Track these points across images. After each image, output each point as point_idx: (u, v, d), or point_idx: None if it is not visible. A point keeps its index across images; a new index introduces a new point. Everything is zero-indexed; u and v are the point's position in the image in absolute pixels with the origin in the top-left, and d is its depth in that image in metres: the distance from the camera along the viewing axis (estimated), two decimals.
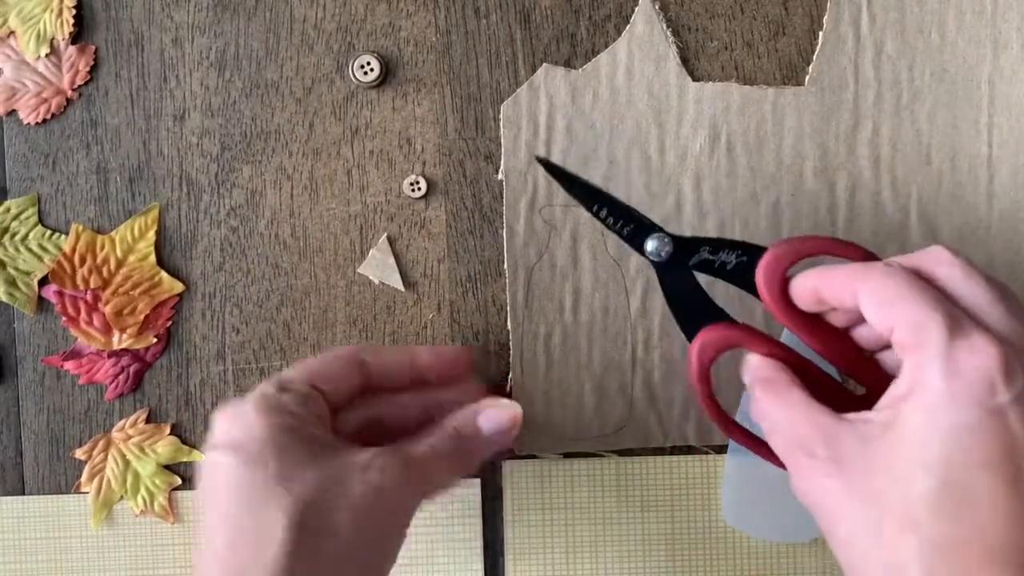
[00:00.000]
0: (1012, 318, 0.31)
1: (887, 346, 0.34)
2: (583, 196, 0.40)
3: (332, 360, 0.39)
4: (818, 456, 0.32)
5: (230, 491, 0.34)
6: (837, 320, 0.36)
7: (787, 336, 0.40)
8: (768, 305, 0.36)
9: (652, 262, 0.39)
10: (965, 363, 0.29)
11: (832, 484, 0.31)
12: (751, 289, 0.37)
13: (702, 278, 0.38)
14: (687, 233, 0.45)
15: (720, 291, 0.39)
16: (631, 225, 0.39)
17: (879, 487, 0.30)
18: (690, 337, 0.38)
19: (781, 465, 0.35)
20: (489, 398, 0.40)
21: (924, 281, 0.32)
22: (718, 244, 0.38)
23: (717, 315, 0.38)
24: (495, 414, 0.39)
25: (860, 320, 0.34)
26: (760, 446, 0.37)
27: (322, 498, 0.34)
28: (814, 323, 0.36)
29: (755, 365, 0.36)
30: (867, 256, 0.36)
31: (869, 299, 0.32)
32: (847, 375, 0.36)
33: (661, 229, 0.39)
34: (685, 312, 0.38)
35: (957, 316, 0.30)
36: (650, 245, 0.39)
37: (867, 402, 0.34)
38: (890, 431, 0.30)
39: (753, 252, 0.37)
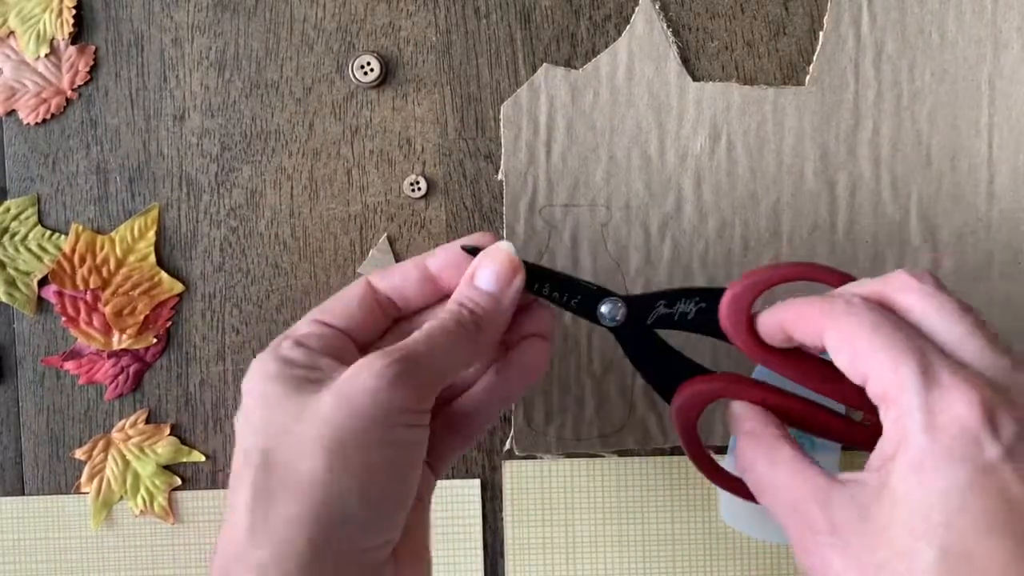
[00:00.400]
0: (991, 350, 0.28)
1: None
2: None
3: (340, 294, 0.35)
4: (818, 528, 0.29)
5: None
6: (816, 349, 0.33)
7: (760, 370, 0.37)
8: (739, 348, 0.34)
9: (609, 328, 0.36)
10: (945, 416, 0.27)
11: (833, 556, 0.29)
12: (719, 335, 0.34)
13: (665, 334, 0.36)
14: (687, 231, 0.45)
15: (691, 341, 0.37)
16: (577, 296, 0.36)
17: (881, 561, 0.27)
18: (667, 397, 0.36)
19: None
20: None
21: (891, 316, 0.29)
22: (674, 296, 0.36)
23: (692, 369, 0.36)
24: (487, 263, 0.34)
25: None
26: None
27: (282, 440, 0.30)
28: (794, 357, 0.33)
29: (739, 414, 0.34)
30: (833, 276, 0.33)
31: (835, 347, 0.30)
32: (843, 403, 0.34)
33: (611, 292, 0.36)
34: (656, 373, 0.36)
35: (930, 360, 0.27)
36: (603, 310, 0.36)
37: (874, 429, 0.33)
38: (883, 495, 0.28)
39: (712, 296, 0.35)
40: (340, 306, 0.34)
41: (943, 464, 0.26)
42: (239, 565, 0.30)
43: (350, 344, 0.34)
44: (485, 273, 0.34)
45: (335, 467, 0.29)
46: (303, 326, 0.34)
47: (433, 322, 0.33)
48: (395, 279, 0.35)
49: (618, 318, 0.36)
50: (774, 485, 0.31)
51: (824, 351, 0.32)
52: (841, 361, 0.30)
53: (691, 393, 0.35)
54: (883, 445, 0.28)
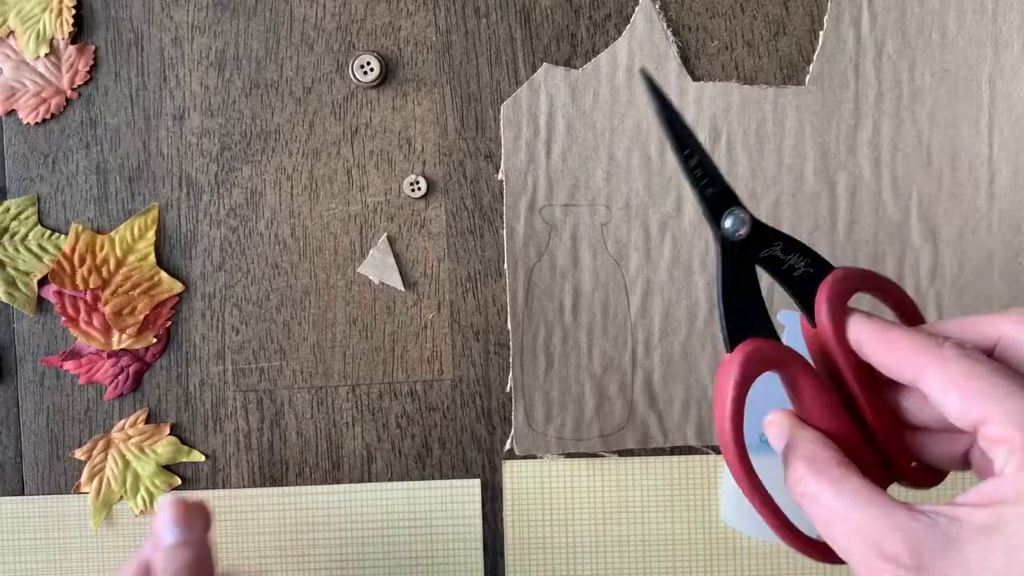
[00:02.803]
0: None
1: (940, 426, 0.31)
2: (677, 135, 0.33)
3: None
4: (899, 561, 0.27)
5: None
6: (898, 379, 0.31)
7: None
8: (822, 327, 0.32)
9: (723, 240, 0.33)
10: None
11: None
12: (807, 305, 0.33)
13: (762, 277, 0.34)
14: (687, 231, 0.45)
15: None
16: (716, 188, 0.33)
17: None
18: (731, 342, 0.33)
19: (809, 549, 0.31)
20: None
21: (998, 364, 0.28)
22: (792, 245, 0.33)
23: (767, 328, 0.33)
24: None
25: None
26: (776, 517, 0.32)
27: None
28: (861, 363, 0.32)
29: (795, 436, 0.32)
30: (913, 312, 0.32)
31: (940, 389, 0.29)
32: (879, 424, 0.32)
33: (744, 207, 0.33)
34: (734, 312, 0.33)
35: None
36: (728, 221, 0.33)
37: (914, 474, 0.31)
38: (989, 536, 0.26)
39: (821, 265, 0.33)
40: None
41: None
42: None
43: None
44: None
45: None
46: None
47: None
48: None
49: (738, 235, 0.33)
50: (843, 517, 0.30)
51: (907, 385, 0.31)
52: (947, 401, 0.29)
53: (759, 352, 0.32)
54: (993, 487, 0.28)
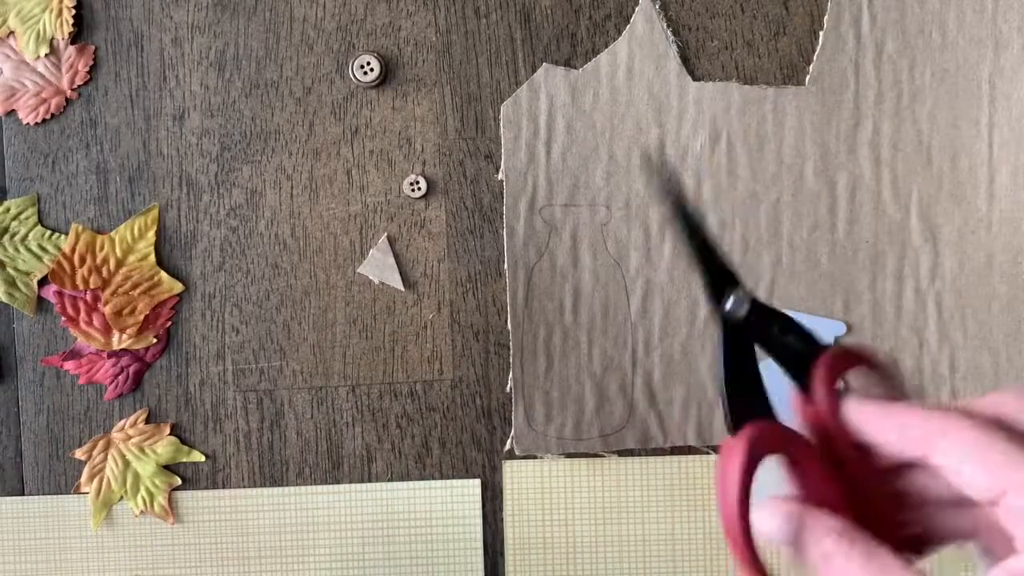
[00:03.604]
0: None
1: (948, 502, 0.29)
2: (684, 218, 0.34)
3: None
4: None
5: None
6: (902, 456, 0.30)
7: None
8: (819, 407, 0.31)
9: (724, 321, 0.34)
10: None
11: None
12: (803, 384, 0.32)
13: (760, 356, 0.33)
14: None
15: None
16: (716, 268, 0.34)
17: None
18: (734, 422, 0.32)
19: None
20: None
21: (1017, 435, 0.28)
22: (790, 325, 0.33)
23: (763, 405, 0.33)
24: None
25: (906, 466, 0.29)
26: None
27: None
28: (855, 443, 0.31)
29: (814, 519, 0.30)
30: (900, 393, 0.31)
31: (958, 459, 0.28)
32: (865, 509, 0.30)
33: (744, 286, 0.34)
34: (738, 390, 0.33)
35: None
36: (730, 303, 0.34)
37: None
38: None
39: (817, 344, 0.33)
40: None
41: None
42: None
43: None
44: None
45: None
46: None
47: None
48: None
49: (738, 315, 0.34)
50: None
51: (910, 460, 0.29)
52: (964, 474, 0.28)
53: (763, 436, 0.31)
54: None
